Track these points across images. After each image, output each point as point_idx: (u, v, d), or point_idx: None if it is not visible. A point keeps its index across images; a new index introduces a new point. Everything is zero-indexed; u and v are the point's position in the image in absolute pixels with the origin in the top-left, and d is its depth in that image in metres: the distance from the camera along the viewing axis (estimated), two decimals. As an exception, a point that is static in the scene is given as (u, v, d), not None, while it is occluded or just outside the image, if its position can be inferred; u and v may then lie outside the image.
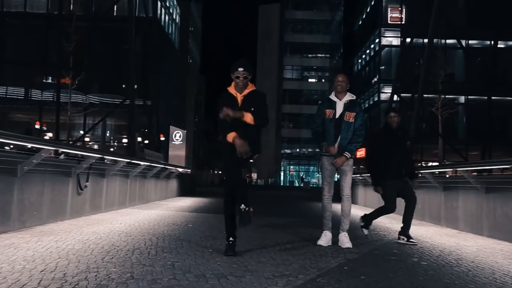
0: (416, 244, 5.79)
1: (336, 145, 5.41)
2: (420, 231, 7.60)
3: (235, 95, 4.58)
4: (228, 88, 4.67)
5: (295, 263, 4.25)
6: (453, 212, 8.27)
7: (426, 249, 5.48)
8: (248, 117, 4.46)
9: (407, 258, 4.83)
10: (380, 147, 6.08)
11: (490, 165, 7.75)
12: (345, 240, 5.41)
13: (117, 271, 3.59)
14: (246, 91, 4.58)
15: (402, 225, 6.10)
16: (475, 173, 8.73)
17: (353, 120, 5.45)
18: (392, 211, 6.06)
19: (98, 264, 3.81)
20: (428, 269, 4.23)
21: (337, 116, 5.45)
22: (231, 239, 4.59)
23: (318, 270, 4.00)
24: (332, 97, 5.57)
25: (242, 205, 4.45)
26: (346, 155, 5.39)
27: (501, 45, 30.81)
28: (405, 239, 5.96)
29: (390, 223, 8.89)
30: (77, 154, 7.84)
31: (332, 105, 5.52)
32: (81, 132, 26.56)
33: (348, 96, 5.52)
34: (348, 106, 5.48)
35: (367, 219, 6.17)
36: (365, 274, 3.91)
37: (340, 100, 5.51)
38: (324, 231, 5.52)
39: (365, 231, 6.16)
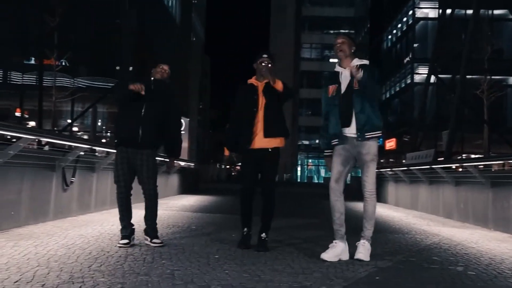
0: (163, 245, 5.18)
1: (351, 128, 4.83)
2: (464, 234, 7.44)
3: (255, 84, 5.26)
4: (248, 80, 5.37)
5: (317, 272, 4.12)
6: (504, 212, 8.06)
7: (472, 256, 5.32)
8: (279, 85, 5.09)
9: (450, 266, 4.68)
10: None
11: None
12: (359, 250, 4.77)
13: (106, 281, 3.49)
14: (267, 79, 5.18)
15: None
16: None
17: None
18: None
19: (84, 273, 3.72)
20: (477, 281, 4.07)
21: (343, 90, 4.86)
22: (245, 229, 5.15)
23: (345, 281, 3.86)
24: (336, 68, 4.99)
25: (264, 234, 5.12)
26: None
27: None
28: (149, 239, 5.30)
29: (427, 225, 8.73)
30: (63, 144, 7.79)
31: (335, 78, 4.93)
32: (68, 120, 26.65)
33: (357, 62, 4.90)
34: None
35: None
36: (400, 286, 3.78)
37: (345, 68, 4.90)
38: (334, 241, 4.85)
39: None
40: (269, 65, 5.20)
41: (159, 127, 5.29)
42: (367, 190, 4.89)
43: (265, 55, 5.26)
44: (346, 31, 63.84)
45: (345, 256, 4.77)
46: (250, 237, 5.18)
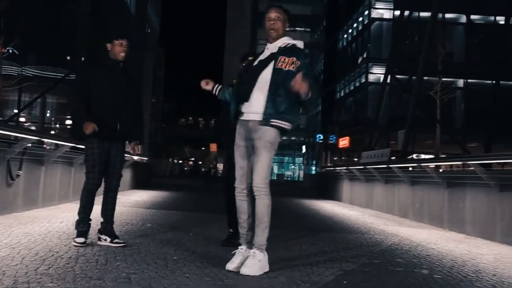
0: (125, 245, 4.82)
1: (250, 110, 4.02)
2: (422, 234, 7.44)
3: None
4: None
5: (282, 276, 3.93)
6: (459, 213, 8.14)
7: (435, 258, 5.26)
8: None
9: (415, 269, 4.59)
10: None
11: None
12: (246, 262, 3.88)
13: (55, 287, 3.18)
14: None
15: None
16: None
17: (292, 69, 3.94)
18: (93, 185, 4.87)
19: (30, 277, 3.38)
20: (445, 284, 3.98)
21: (256, 62, 4.10)
22: (231, 230, 5.31)
23: (311, 285, 3.69)
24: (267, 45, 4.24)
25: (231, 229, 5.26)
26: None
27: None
28: (108, 239, 4.88)
29: (385, 225, 8.72)
30: (8, 135, 7.30)
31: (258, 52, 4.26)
32: (15, 110, 25.52)
33: (286, 40, 4.14)
34: (284, 50, 4.06)
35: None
36: (370, 291, 3.63)
37: (272, 43, 4.15)
38: (239, 247, 4.10)
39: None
40: None
41: (134, 116, 4.99)
42: (254, 184, 3.99)
43: None
44: (302, 29, 64.26)
45: None
46: (235, 236, 4.77)
